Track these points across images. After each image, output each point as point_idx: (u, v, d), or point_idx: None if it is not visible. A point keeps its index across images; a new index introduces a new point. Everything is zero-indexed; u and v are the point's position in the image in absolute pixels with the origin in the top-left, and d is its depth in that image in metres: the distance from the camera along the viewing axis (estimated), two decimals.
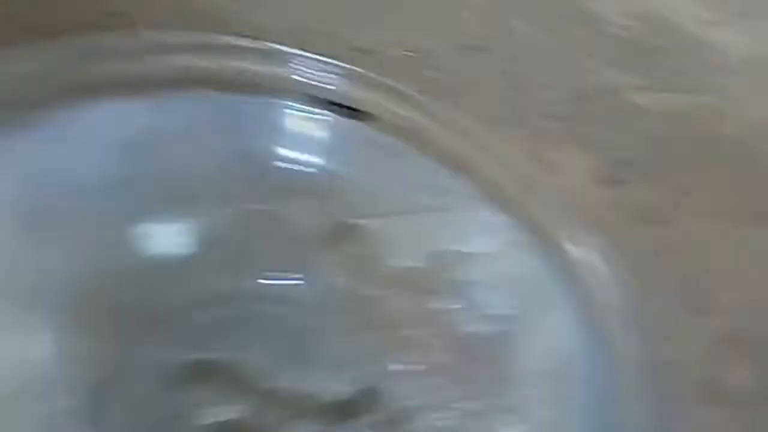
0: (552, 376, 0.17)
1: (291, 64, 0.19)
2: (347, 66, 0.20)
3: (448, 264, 0.19)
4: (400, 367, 0.17)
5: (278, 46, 0.20)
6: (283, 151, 0.19)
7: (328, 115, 0.19)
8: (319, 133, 0.20)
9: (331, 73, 0.20)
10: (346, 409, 0.17)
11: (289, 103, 0.19)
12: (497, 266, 0.19)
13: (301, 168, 0.20)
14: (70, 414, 0.15)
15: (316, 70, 0.19)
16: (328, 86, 0.19)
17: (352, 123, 0.19)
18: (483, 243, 0.19)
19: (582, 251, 0.18)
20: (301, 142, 0.20)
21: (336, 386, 0.17)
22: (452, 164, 0.19)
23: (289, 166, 0.19)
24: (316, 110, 0.19)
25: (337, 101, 0.19)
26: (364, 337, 0.18)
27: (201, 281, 0.18)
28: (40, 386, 0.15)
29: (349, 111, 0.19)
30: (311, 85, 0.19)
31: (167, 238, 0.18)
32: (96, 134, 0.18)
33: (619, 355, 0.16)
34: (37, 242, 0.16)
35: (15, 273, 0.16)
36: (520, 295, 0.18)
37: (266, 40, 0.20)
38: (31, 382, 0.15)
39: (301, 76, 0.19)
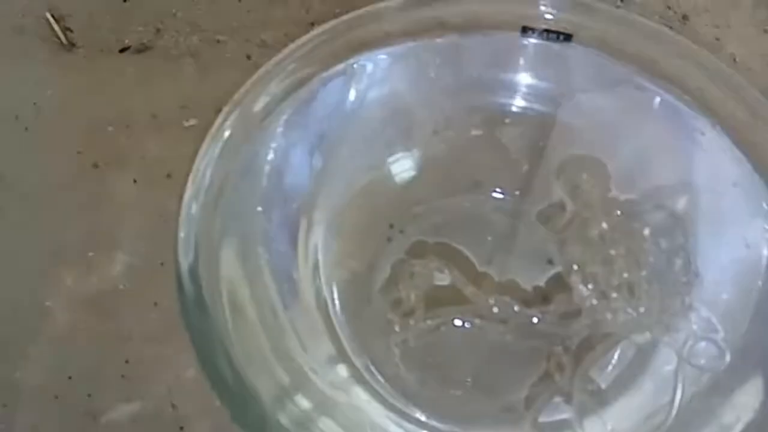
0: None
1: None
2: None
3: (663, 198, 0.21)
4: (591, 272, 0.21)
5: None
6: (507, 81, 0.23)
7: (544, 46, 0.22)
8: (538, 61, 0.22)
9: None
10: (539, 296, 0.21)
11: (513, 36, 0.22)
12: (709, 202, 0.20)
13: (523, 97, 0.23)
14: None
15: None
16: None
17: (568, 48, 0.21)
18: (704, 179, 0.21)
19: None
20: (525, 72, 0.23)
21: (534, 281, 0.21)
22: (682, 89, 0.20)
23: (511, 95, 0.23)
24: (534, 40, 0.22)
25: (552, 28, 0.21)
26: (572, 248, 0.21)
27: (430, 193, 0.23)
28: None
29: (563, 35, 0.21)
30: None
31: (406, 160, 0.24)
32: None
33: None
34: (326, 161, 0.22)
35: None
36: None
37: None
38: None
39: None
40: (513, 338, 0.20)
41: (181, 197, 0.30)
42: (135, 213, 0.30)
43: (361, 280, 0.23)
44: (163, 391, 0.25)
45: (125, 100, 0.33)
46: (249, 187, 0.22)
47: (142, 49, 0.35)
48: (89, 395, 0.25)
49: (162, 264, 0.28)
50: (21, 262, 0.28)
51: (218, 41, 0.35)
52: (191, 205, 0.20)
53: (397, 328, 0.21)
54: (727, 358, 0.18)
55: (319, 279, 0.22)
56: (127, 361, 0.26)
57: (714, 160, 0.20)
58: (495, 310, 0.20)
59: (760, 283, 0.19)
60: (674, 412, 0.18)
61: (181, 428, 0.25)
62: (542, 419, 0.19)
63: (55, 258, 0.28)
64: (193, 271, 0.18)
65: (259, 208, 0.21)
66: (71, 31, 0.36)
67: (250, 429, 0.17)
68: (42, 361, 0.26)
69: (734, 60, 0.34)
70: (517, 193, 0.23)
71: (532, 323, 0.20)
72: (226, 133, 0.21)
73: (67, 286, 0.28)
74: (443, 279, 0.21)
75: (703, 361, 0.19)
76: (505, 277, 0.21)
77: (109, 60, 0.34)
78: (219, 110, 0.33)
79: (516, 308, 0.20)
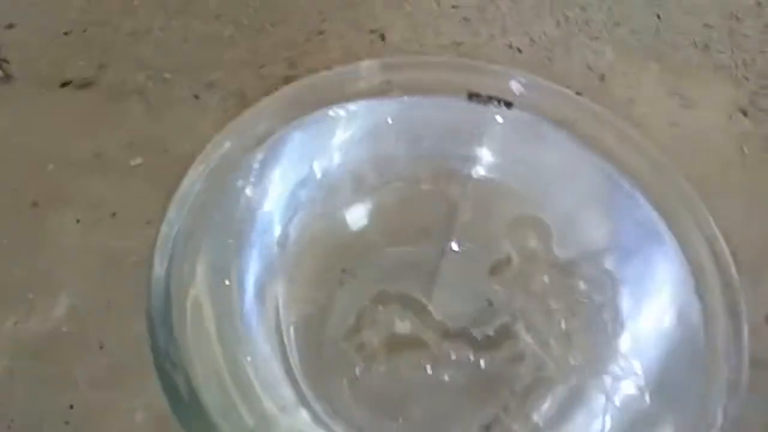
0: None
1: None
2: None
3: (596, 256, 0.24)
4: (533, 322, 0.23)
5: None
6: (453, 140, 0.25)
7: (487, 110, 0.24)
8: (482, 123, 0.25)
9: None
10: (488, 343, 0.23)
11: (460, 102, 0.24)
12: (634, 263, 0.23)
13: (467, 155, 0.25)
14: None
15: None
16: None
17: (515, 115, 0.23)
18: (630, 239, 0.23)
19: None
20: (470, 133, 0.25)
21: (484, 328, 0.23)
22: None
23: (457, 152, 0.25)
24: (478, 105, 0.24)
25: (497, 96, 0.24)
26: (517, 299, 0.23)
27: (381, 240, 0.25)
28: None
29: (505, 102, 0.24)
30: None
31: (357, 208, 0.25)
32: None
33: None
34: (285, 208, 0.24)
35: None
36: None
37: None
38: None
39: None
40: (466, 381, 0.22)
41: (126, 237, 0.30)
42: (78, 253, 0.29)
43: (315, 323, 0.24)
44: None
45: (67, 137, 0.32)
46: (221, 242, 0.23)
47: (85, 84, 0.35)
48: None
49: (107, 306, 0.28)
50: None
51: (165, 79, 0.35)
52: (162, 255, 0.20)
53: (357, 371, 0.22)
54: (647, 398, 0.21)
55: (279, 324, 0.23)
56: (71, 407, 0.25)
57: (637, 220, 0.23)
58: (450, 355, 0.22)
59: (674, 332, 0.22)
60: None
61: None
62: None
63: None
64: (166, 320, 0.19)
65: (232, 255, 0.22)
66: (8, 62, 0.35)
67: None
68: None
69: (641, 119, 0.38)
70: (466, 244, 0.24)
71: (483, 368, 0.22)
72: (197, 187, 0.22)
73: (7, 329, 0.27)
74: (404, 326, 0.23)
75: (626, 401, 0.21)
76: (457, 324, 0.23)
77: (49, 95, 0.34)
78: (166, 150, 0.33)
79: (468, 353, 0.22)
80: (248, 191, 0.23)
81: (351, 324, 0.23)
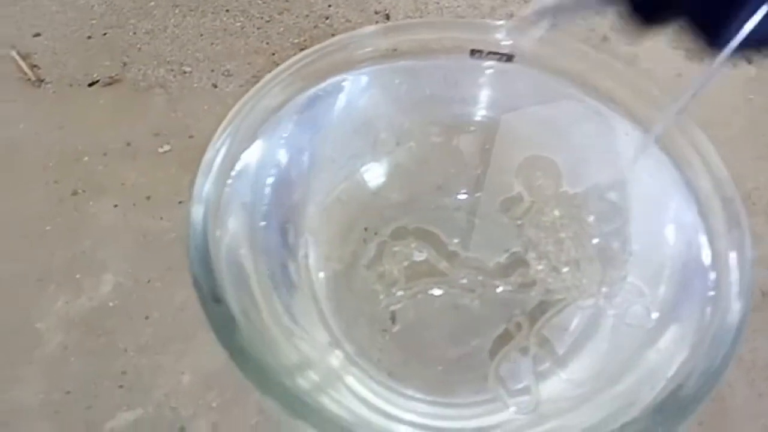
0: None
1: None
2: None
3: (603, 190, 0.25)
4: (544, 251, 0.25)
5: None
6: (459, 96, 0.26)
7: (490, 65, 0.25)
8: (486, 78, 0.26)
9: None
10: (500, 270, 0.25)
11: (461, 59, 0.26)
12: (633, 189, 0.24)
13: (474, 109, 0.26)
14: None
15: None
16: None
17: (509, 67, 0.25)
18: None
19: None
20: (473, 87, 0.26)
21: (497, 258, 0.25)
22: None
23: (464, 107, 0.26)
24: (481, 60, 0.25)
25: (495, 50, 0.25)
26: (529, 231, 0.25)
27: (399, 197, 0.27)
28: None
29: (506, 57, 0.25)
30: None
31: (375, 170, 0.27)
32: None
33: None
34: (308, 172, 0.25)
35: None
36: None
37: None
38: None
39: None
40: (479, 304, 0.24)
41: (161, 217, 0.32)
42: (118, 235, 0.31)
43: (343, 275, 0.26)
44: (161, 396, 0.27)
45: (98, 130, 0.35)
46: (252, 204, 0.24)
47: (111, 82, 0.37)
48: (89, 407, 0.27)
49: (149, 281, 0.30)
50: (9, 289, 0.29)
51: (185, 72, 0.37)
52: (199, 221, 0.22)
53: (381, 297, 0.24)
54: (653, 316, 0.22)
55: (310, 276, 0.24)
56: (124, 372, 0.27)
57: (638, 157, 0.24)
58: (464, 281, 0.24)
59: (671, 253, 0.23)
60: (609, 361, 0.22)
61: (182, 428, 0.26)
62: (503, 373, 0.23)
63: (43, 283, 0.30)
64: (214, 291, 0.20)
65: (263, 223, 0.23)
66: (38, 67, 0.37)
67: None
68: (39, 380, 0.27)
69: (650, 73, 0.39)
70: (478, 194, 0.26)
71: (495, 291, 0.24)
72: (223, 149, 0.23)
73: (58, 307, 0.29)
74: (420, 256, 0.24)
75: (633, 321, 0.22)
76: (470, 254, 0.25)
77: (78, 94, 0.36)
78: (191, 135, 0.35)
79: (480, 278, 0.24)
80: (269, 157, 0.24)
81: (372, 256, 0.25)
